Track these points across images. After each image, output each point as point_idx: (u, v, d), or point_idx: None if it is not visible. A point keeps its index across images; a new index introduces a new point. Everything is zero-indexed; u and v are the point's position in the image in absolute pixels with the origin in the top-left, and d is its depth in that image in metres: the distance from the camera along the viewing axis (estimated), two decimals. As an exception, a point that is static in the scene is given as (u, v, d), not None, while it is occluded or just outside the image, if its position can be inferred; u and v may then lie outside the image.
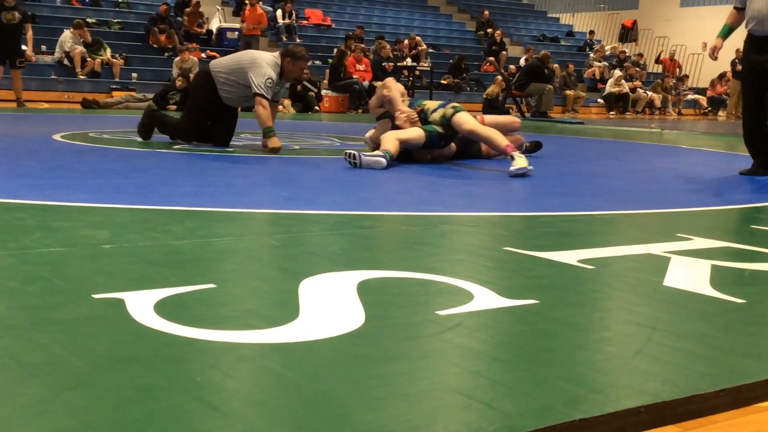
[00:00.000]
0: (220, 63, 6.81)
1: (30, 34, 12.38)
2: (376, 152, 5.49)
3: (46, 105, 13.04)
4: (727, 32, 5.96)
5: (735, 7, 5.94)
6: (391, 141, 5.62)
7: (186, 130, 6.82)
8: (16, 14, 11.94)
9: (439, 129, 5.86)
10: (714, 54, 5.98)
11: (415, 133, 5.80)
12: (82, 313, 1.90)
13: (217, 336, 1.77)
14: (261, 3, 16.81)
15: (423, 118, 5.94)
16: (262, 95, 6.44)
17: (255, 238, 2.97)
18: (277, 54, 6.79)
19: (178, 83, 13.65)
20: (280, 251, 2.76)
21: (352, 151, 5.41)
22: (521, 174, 5.27)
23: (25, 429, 1.28)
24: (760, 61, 5.66)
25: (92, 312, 1.91)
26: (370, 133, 6.47)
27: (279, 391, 1.49)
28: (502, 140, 5.67)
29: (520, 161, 5.35)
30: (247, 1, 16.41)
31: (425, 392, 1.50)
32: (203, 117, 6.82)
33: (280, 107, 14.68)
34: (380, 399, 1.46)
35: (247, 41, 16.14)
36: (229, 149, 6.54)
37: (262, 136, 6.57)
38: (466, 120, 5.83)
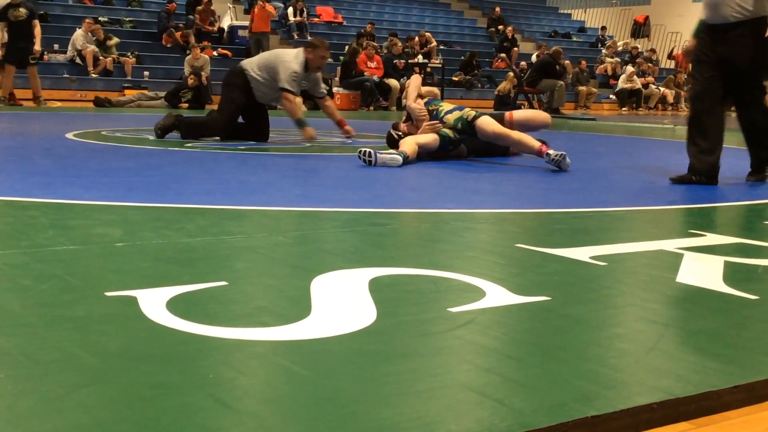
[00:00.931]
0: (252, 62, 7.13)
1: (38, 30, 12.43)
2: (392, 150, 5.49)
3: (58, 104, 13.11)
4: (699, 29, 5.26)
5: None
6: (409, 145, 5.64)
7: (221, 126, 7.03)
8: (23, 11, 12.00)
9: (449, 133, 5.84)
10: (689, 58, 5.48)
11: (431, 138, 5.82)
12: (95, 311, 1.91)
13: (229, 333, 1.77)
14: (269, 1, 16.82)
15: (434, 118, 5.93)
16: (287, 89, 6.69)
17: (267, 235, 2.97)
18: (300, 48, 7.07)
19: (190, 81, 13.69)
20: (292, 249, 2.77)
21: (367, 149, 5.40)
22: (559, 161, 5.40)
23: (39, 426, 1.29)
24: (727, 53, 4.93)
25: (105, 310, 1.92)
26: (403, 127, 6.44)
27: (291, 389, 1.49)
28: (533, 142, 5.65)
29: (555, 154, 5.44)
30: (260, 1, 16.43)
31: (437, 389, 1.50)
32: (237, 113, 7.11)
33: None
34: (392, 396, 1.46)
35: (257, 39, 16.18)
36: (241, 147, 6.55)
37: (298, 127, 6.97)
38: (490, 123, 5.80)
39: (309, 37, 18.37)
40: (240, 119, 7.19)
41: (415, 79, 6.46)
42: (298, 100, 14.68)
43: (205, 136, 7.04)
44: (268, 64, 6.92)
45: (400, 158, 5.37)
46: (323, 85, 7.01)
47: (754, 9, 4.81)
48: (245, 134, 7.11)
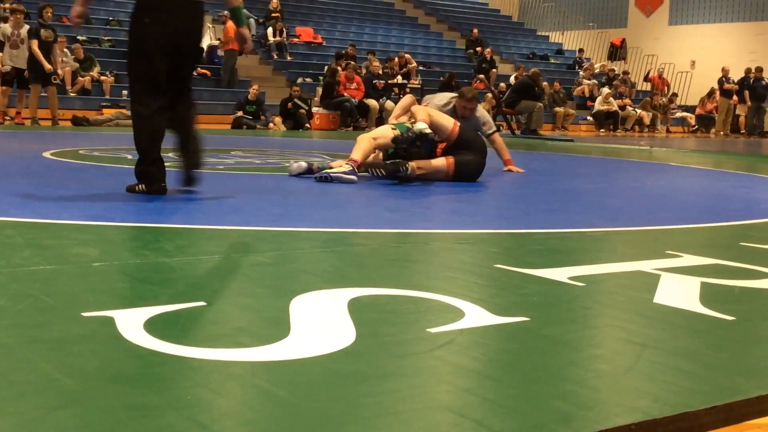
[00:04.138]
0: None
1: (57, 50, 12.88)
2: (343, 168, 5.52)
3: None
4: None
5: None
6: (366, 140, 5.74)
7: None
8: (51, 32, 12.32)
9: (408, 125, 5.84)
10: None
11: (383, 131, 5.89)
12: (72, 331, 1.89)
13: (207, 354, 1.76)
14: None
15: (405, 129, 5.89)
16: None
17: (245, 255, 2.96)
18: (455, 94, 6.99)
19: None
20: (270, 269, 2.76)
21: (324, 173, 5.52)
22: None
23: (14, 449, 1.27)
24: (187, 27, 4.46)
25: (82, 330, 1.90)
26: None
27: (270, 410, 1.48)
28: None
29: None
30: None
31: (416, 410, 1.50)
32: None
33: (271, 125, 14.71)
34: (371, 417, 1.45)
35: (227, 58, 16.27)
36: (219, 167, 6.54)
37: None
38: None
39: (288, 57, 18.48)
40: None
41: (406, 99, 6.46)
42: (278, 119, 14.76)
43: None
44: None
45: (352, 176, 5.46)
46: (488, 125, 6.88)
47: None
48: None
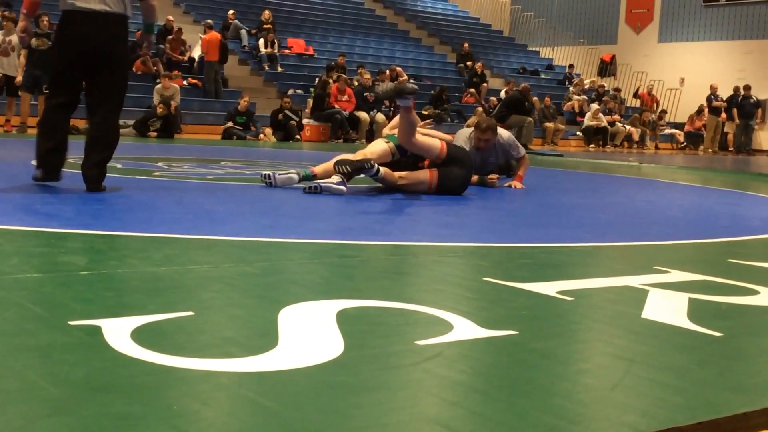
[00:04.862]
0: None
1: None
2: (333, 180, 5.52)
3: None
4: None
5: None
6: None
7: None
8: (46, 41, 12.20)
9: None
10: None
11: (380, 146, 5.89)
12: (59, 340, 1.88)
13: (194, 364, 1.75)
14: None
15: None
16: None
17: (234, 265, 2.95)
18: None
19: (159, 110, 13.64)
20: (259, 279, 2.75)
21: (313, 184, 5.50)
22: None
23: (-2, 457, 1.26)
24: (96, 40, 4.83)
25: (68, 339, 1.89)
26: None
27: (257, 421, 1.48)
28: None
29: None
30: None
31: (404, 423, 1.49)
32: None
33: (261, 136, 14.71)
34: (359, 429, 1.45)
35: (207, 69, 16.23)
36: (209, 177, 6.53)
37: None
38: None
39: (280, 69, 18.50)
40: None
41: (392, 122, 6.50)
42: (268, 131, 14.75)
43: None
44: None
45: (341, 187, 5.45)
46: (517, 150, 6.85)
47: None
48: None
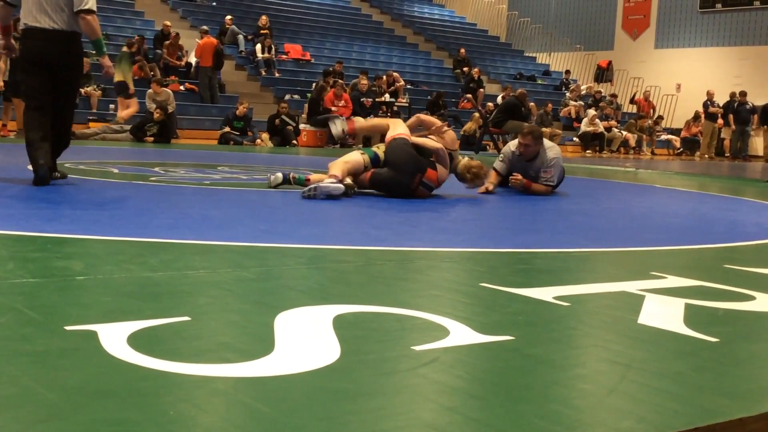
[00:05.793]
0: None
1: None
2: (329, 180, 5.52)
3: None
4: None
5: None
6: (338, 166, 5.75)
7: None
8: None
9: (377, 150, 5.93)
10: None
11: (354, 156, 5.92)
12: (55, 345, 1.88)
13: (191, 369, 1.75)
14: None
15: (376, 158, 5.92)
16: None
17: (231, 271, 2.95)
18: None
19: (156, 115, 13.63)
20: (256, 284, 2.75)
21: (311, 186, 5.48)
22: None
23: (-7, 463, 1.26)
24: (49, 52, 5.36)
25: (65, 344, 1.89)
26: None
27: (253, 426, 1.48)
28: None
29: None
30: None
31: (400, 428, 1.49)
32: None
33: (258, 141, 14.71)
34: (355, 435, 1.45)
35: (201, 74, 16.21)
36: (206, 182, 6.52)
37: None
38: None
39: (277, 74, 18.51)
40: None
41: (417, 117, 6.49)
42: (265, 136, 14.74)
43: None
44: None
45: (338, 185, 5.46)
46: (549, 173, 6.78)
47: None
48: None
